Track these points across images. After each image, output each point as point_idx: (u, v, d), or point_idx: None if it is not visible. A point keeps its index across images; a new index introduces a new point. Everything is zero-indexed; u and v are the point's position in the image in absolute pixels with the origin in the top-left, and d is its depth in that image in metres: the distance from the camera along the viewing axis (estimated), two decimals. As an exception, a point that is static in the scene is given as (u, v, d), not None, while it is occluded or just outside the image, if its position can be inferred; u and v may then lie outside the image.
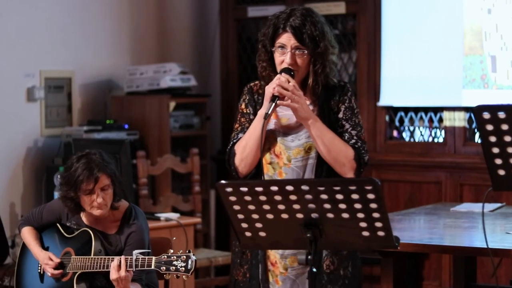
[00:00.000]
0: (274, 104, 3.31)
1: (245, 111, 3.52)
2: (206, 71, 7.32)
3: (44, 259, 3.98)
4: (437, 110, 6.26)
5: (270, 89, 3.33)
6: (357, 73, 6.52)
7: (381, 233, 2.72)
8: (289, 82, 3.33)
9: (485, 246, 3.33)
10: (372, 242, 2.76)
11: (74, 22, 6.44)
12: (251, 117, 3.48)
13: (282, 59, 3.40)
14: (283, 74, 3.35)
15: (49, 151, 6.22)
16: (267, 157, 3.43)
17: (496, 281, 4.31)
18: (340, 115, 3.43)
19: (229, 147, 3.50)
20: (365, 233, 2.72)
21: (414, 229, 4.43)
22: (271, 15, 3.48)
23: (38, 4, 6.22)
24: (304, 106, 3.34)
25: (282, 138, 3.43)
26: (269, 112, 3.30)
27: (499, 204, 4.83)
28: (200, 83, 6.98)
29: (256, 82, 3.55)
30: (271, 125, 3.43)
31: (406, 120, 6.40)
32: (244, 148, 3.41)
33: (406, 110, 6.37)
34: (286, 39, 3.39)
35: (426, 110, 6.31)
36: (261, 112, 3.37)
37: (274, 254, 3.42)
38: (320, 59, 3.40)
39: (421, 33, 6.18)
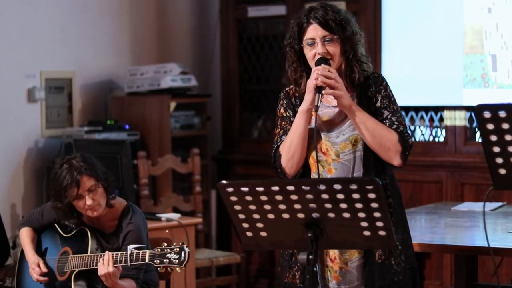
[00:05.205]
0: (320, 95, 3.27)
1: (285, 115, 3.46)
2: (206, 71, 7.32)
3: (33, 263, 4.01)
4: (438, 109, 6.25)
5: (312, 81, 3.28)
6: (358, 72, 6.51)
7: (382, 233, 2.72)
8: (329, 71, 3.29)
9: (486, 245, 3.33)
10: (373, 241, 2.76)
11: (75, 22, 6.44)
12: (292, 119, 3.41)
13: (314, 52, 3.35)
14: (322, 65, 3.30)
15: (49, 152, 6.21)
16: (314, 155, 3.37)
17: (497, 280, 4.31)
18: (378, 104, 3.43)
19: (273, 151, 3.43)
20: (366, 233, 2.72)
21: (415, 228, 4.43)
22: (292, 20, 3.44)
23: (38, 4, 6.22)
24: (346, 94, 3.32)
25: (326, 135, 3.38)
26: (318, 104, 3.26)
27: (500, 203, 4.83)
28: (200, 83, 6.98)
29: (291, 86, 3.49)
30: (312, 124, 3.35)
31: (407, 120, 6.40)
32: (289, 148, 3.36)
33: (407, 109, 6.37)
34: (313, 31, 3.35)
35: (426, 109, 6.31)
36: (302, 108, 3.33)
37: (333, 250, 3.36)
38: (349, 44, 3.37)
39: (421, 32, 6.18)
